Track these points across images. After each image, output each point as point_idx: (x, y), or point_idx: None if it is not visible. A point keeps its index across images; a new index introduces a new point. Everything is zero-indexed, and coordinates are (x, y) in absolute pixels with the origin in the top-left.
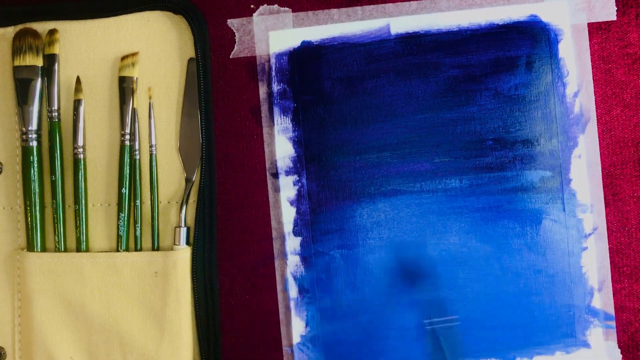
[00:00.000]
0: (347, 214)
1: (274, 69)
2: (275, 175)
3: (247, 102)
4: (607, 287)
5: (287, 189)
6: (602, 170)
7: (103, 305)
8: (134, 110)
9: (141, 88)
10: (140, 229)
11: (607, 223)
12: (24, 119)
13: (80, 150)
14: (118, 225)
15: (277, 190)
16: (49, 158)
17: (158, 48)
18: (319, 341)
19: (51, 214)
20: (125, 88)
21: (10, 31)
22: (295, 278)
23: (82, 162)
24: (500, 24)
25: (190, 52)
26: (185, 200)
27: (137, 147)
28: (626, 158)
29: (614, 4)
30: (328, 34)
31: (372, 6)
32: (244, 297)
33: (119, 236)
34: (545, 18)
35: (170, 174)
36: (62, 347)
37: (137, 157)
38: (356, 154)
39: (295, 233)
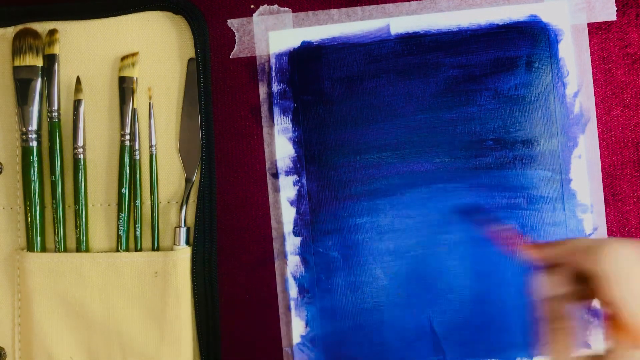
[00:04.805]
0: (347, 214)
1: (274, 69)
2: (275, 175)
3: (247, 102)
4: None
5: (287, 189)
6: (602, 171)
7: (103, 305)
8: (134, 110)
9: (141, 88)
10: (140, 229)
11: (607, 223)
12: (24, 119)
13: (80, 150)
14: (118, 225)
15: (277, 190)
16: (49, 158)
17: (158, 48)
18: (319, 341)
19: (51, 214)
20: (125, 88)
21: (10, 31)
22: (295, 278)
23: (82, 162)
24: (500, 24)
25: (190, 52)
26: (185, 200)
27: (137, 147)
28: (626, 158)
29: (614, 4)
30: (328, 34)
31: (372, 6)
32: (244, 297)
33: (119, 236)
34: (545, 18)
35: (170, 174)
36: (62, 347)
37: (137, 157)
38: (356, 154)
39: (295, 233)
